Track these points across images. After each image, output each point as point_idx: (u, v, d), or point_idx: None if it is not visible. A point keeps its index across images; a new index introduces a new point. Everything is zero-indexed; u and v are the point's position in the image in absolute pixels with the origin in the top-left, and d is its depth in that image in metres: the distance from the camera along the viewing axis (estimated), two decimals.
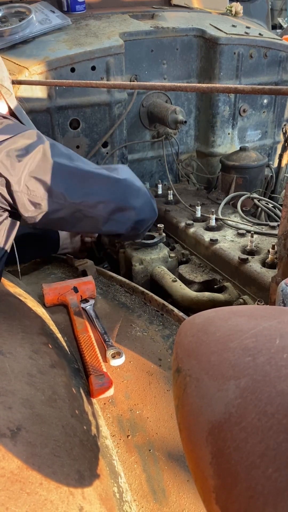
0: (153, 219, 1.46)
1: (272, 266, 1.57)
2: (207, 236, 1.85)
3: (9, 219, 1.26)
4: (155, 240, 1.79)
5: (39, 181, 1.19)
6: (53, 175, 1.21)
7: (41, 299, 1.36)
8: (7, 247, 1.30)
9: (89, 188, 1.27)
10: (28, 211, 1.22)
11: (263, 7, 3.11)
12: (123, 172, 1.39)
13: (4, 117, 1.27)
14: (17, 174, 1.17)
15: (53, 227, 1.53)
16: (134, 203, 1.35)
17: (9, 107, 1.41)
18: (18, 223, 1.31)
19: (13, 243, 1.35)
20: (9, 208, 1.24)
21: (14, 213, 1.27)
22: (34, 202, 1.21)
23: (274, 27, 6.67)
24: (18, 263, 1.39)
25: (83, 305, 1.33)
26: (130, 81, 2.26)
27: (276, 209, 2.11)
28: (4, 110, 1.39)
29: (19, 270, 1.39)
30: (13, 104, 1.43)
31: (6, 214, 1.25)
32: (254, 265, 1.61)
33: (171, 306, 1.34)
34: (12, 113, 1.43)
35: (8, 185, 1.17)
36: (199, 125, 2.60)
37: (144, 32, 2.25)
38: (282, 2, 7.65)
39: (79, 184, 1.26)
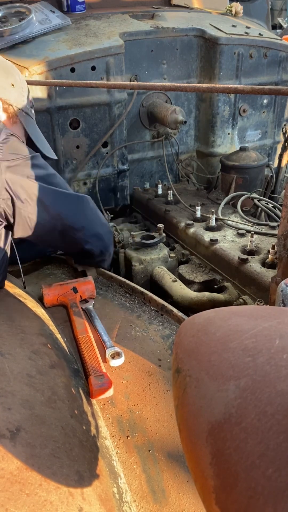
0: (112, 248, 1.62)
1: (272, 266, 1.57)
2: (207, 236, 1.85)
3: (4, 230, 1.30)
4: (155, 240, 1.79)
5: (40, 202, 1.29)
6: (53, 198, 1.34)
7: (41, 300, 1.36)
8: (5, 256, 1.32)
9: (80, 214, 1.44)
10: (23, 230, 1.31)
11: (263, 7, 3.11)
12: (92, 202, 1.52)
13: (12, 135, 1.29)
14: (22, 194, 1.25)
15: (43, 245, 1.59)
16: (101, 230, 1.53)
17: (25, 130, 1.46)
18: (10, 234, 1.34)
19: (12, 244, 1.36)
20: (5, 223, 1.29)
21: (7, 226, 1.32)
22: (31, 219, 1.30)
23: (274, 27, 6.67)
24: (19, 263, 1.40)
25: (82, 306, 1.33)
26: (130, 81, 2.26)
27: (276, 209, 2.11)
28: (6, 123, 1.40)
29: (23, 278, 1.40)
30: (30, 126, 1.47)
31: (1, 224, 1.28)
32: (254, 265, 1.60)
33: (170, 306, 1.34)
34: (28, 136, 1.47)
35: (13, 203, 1.25)
36: (199, 125, 2.60)
37: (144, 32, 2.25)
38: (282, 2, 7.66)
39: (73, 209, 1.42)
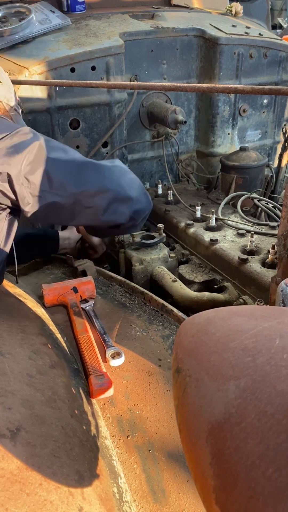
0: (149, 209, 1.46)
1: (272, 266, 1.57)
2: (207, 236, 1.85)
3: (7, 219, 1.27)
4: (155, 240, 1.79)
5: (38, 173, 1.21)
6: (51, 167, 1.22)
7: (41, 299, 1.36)
8: (7, 248, 1.30)
9: (87, 179, 1.29)
10: (28, 204, 1.23)
11: (263, 7, 3.11)
12: (118, 163, 1.40)
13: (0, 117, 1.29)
14: (16, 169, 1.18)
15: (53, 221, 1.53)
16: (130, 193, 1.35)
17: None
18: (16, 223, 1.31)
19: (12, 244, 1.35)
20: (10, 205, 1.24)
21: (14, 210, 1.27)
22: (34, 194, 1.22)
23: (274, 27, 6.67)
24: (16, 263, 1.39)
25: (82, 305, 1.33)
26: (130, 81, 2.26)
27: (276, 209, 2.11)
28: None
29: (17, 272, 1.39)
30: (20, 123, 1.46)
31: (5, 213, 1.26)
32: (254, 265, 1.60)
33: (170, 306, 1.34)
34: None
35: (10, 180, 1.18)
36: (199, 125, 2.60)
37: (144, 32, 2.25)
38: (282, 2, 7.65)
39: (78, 175, 1.27)
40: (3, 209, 1.25)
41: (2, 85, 1.40)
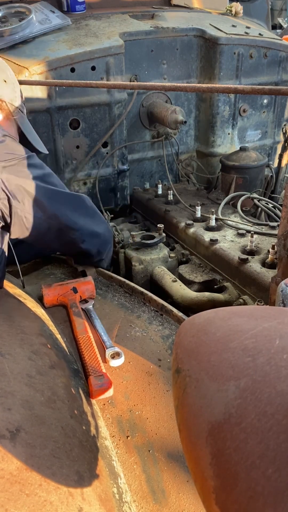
0: (110, 247, 1.62)
1: (272, 266, 1.57)
2: (207, 236, 1.85)
3: (0, 230, 1.30)
4: (155, 240, 1.79)
5: (36, 201, 1.29)
6: (49, 197, 1.33)
7: (40, 300, 1.36)
8: (3, 256, 1.32)
9: (76, 213, 1.43)
10: (20, 230, 1.31)
11: (263, 7, 3.11)
12: (89, 201, 1.52)
13: (7, 135, 1.30)
14: (18, 194, 1.25)
15: (40, 245, 1.60)
16: (99, 229, 1.52)
17: (18, 126, 1.46)
18: (8, 235, 1.34)
19: (10, 244, 1.36)
20: (2, 223, 1.29)
21: (4, 226, 1.32)
22: (28, 219, 1.30)
23: (274, 27, 6.67)
24: (17, 263, 1.40)
25: (82, 306, 1.33)
26: (130, 81, 2.26)
27: (276, 209, 2.11)
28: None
29: (21, 278, 1.40)
30: (24, 124, 1.48)
31: None
32: (254, 265, 1.60)
33: (170, 307, 1.34)
34: (21, 132, 1.48)
35: (9, 203, 1.25)
36: (199, 125, 2.60)
37: (144, 32, 2.25)
38: (282, 2, 7.66)
39: (69, 208, 1.41)
40: None
41: (6, 84, 1.39)
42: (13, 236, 1.33)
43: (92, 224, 1.49)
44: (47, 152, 1.63)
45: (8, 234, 1.33)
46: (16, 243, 1.40)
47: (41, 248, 1.68)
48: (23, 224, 1.30)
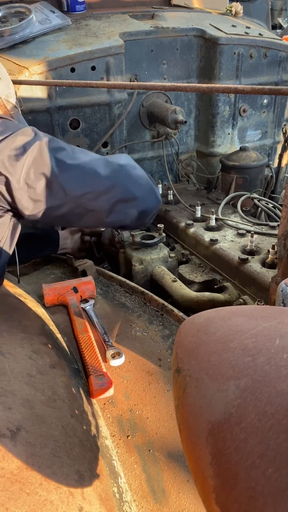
0: (157, 207, 1.42)
1: (272, 266, 1.57)
2: (207, 236, 1.85)
3: (12, 220, 1.25)
4: (155, 240, 1.79)
5: (38, 177, 1.18)
6: (51, 170, 1.18)
7: (41, 299, 1.36)
8: (11, 250, 1.29)
9: (91, 180, 1.24)
10: (28, 209, 1.20)
11: (263, 7, 3.11)
12: (124, 160, 1.34)
13: (1, 117, 1.28)
14: (16, 172, 1.15)
15: (57, 224, 1.51)
16: (136, 193, 1.30)
17: None
18: (20, 227, 1.30)
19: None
20: (9, 208, 1.22)
21: (16, 213, 1.25)
22: (34, 199, 1.19)
23: (274, 27, 6.67)
24: (17, 263, 1.39)
25: (83, 305, 1.33)
26: (130, 81, 2.26)
27: (276, 209, 2.11)
28: None
29: (18, 272, 1.39)
30: (19, 120, 1.45)
31: (9, 215, 1.24)
32: (254, 265, 1.61)
33: (170, 306, 1.34)
34: None
35: (7, 183, 1.16)
36: (199, 125, 2.60)
37: (144, 32, 2.25)
38: (282, 2, 7.65)
39: (79, 177, 1.23)
40: (6, 212, 1.23)
41: (1, 81, 1.38)
42: (26, 213, 1.21)
43: (122, 186, 1.27)
44: None
45: (19, 227, 1.27)
46: (17, 243, 1.39)
47: (41, 248, 1.67)
48: (27, 201, 1.17)
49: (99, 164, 1.28)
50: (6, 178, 1.15)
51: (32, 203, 1.20)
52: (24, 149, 1.18)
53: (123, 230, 1.49)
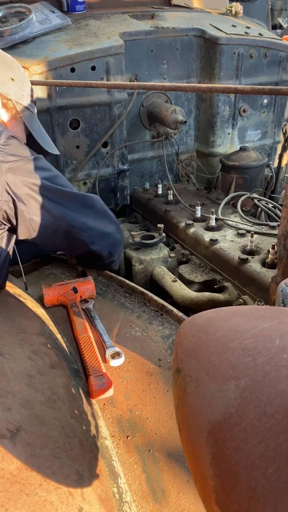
0: (121, 247, 1.57)
1: (272, 266, 1.57)
2: (207, 236, 1.85)
3: (7, 232, 1.29)
4: (155, 240, 1.79)
5: (42, 203, 1.27)
6: (56, 199, 1.30)
7: (40, 300, 1.36)
8: (7, 258, 1.31)
9: (85, 214, 1.39)
10: (27, 232, 1.29)
11: (263, 7, 3.11)
12: (99, 201, 1.47)
13: (13, 137, 1.28)
14: (23, 195, 1.23)
15: (48, 246, 1.58)
16: (109, 230, 1.47)
17: (26, 127, 1.43)
18: (14, 237, 1.33)
19: (14, 247, 1.36)
20: (8, 226, 1.28)
21: (11, 228, 1.30)
22: (35, 221, 1.28)
23: (274, 27, 6.67)
24: (20, 263, 1.40)
25: (82, 306, 1.33)
26: (130, 81, 2.26)
27: (276, 209, 2.11)
28: (5, 119, 1.38)
29: (24, 279, 1.40)
30: (32, 123, 1.45)
31: (5, 227, 1.27)
32: (254, 265, 1.60)
33: (170, 306, 1.34)
34: (29, 133, 1.45)
35: (15, 205, 1.23)
36: (199, 125, 2.60)
37: (144, 32, 2.25)
38: (282, 2, 7.66)
39: (77, 209, 1.38)
40: (2, 224, 1.28)
41: (13, 82, 1.36)
42: (20, 237, 1.31)
43: (102, 225, 1.44)
44: (58, 153, 1.58)
45: (14, 236, 1.32)
46: (16, 243, 1.39)
47: (42, 248, 1.68)
48: (30, 226, 1.28)
49: (92, 205, 1.43)
50: (13, 199, 1.23)
51: (32, 226, 1.29)
52: (33, 174, 1.27)
53: (93, 266, 1.59)
